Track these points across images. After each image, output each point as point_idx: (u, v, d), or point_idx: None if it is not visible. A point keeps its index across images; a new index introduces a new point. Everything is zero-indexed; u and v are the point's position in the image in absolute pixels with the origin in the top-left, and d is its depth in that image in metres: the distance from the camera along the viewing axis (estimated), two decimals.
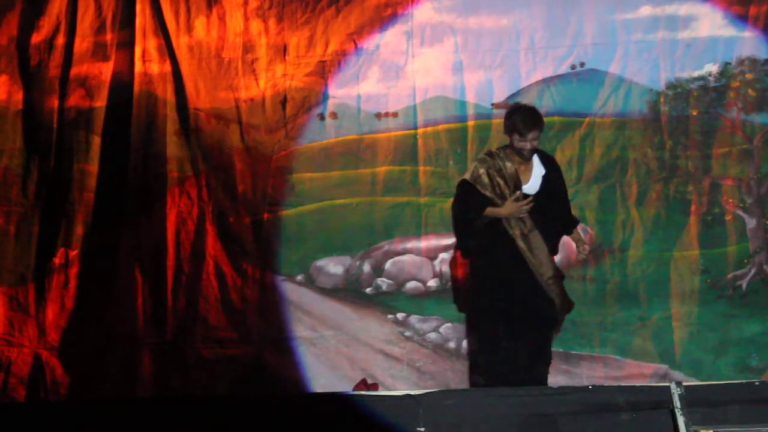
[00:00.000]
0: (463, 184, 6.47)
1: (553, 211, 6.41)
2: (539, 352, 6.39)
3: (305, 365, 7.19)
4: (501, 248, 6.32)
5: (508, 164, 6.36)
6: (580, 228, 6.67)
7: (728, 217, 7.09)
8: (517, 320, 6.30)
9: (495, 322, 6.37)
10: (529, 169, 6.40)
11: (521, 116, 6.33)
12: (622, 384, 6.38)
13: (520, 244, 6.29)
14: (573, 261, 7.13)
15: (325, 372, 7.16)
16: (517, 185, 6.34)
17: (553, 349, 6.89)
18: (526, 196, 6.32)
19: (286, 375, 7.17)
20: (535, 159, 6.41)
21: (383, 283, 7.34)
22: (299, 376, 7.17)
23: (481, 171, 6.40)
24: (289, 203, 7.38)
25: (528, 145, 6.29)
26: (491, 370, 6.45)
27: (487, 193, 6.36)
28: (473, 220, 6.39)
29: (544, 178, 6.39)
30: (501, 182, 6.35)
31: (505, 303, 6.31)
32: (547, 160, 6.48)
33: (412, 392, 5.91)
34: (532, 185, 6.38)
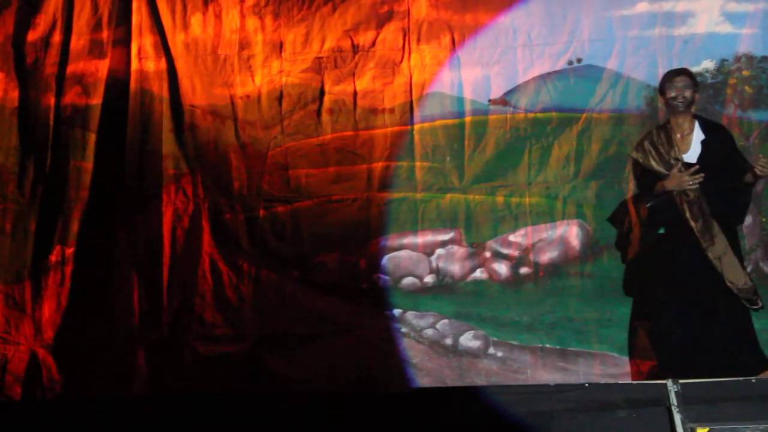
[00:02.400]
0: (630, 160, 6.40)
1: (720, 176, 6.16)
2: (728, 337, 6.13)
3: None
4: (671, 227, 6.16)
5: (667, 134, 6.23)
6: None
7: None
8: (691, 306, 6.10)
9: (667, 310, 6.18)
10: (690, 136, 6.27)
11: (670, 71, 6.37)
12: (619, 381, 6.37)
13: (688, 218, 6.09)
14: (570, 258, 7.14)
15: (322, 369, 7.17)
16: (678, 154, 6.20)
17: (549, 346, 6.91)
18: (688, 166, 6.17)
19: (282, 372, 7.17)
20: (696, 126, 6.29)
21: (379, 279, 7.34)
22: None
23: (638, 146, 6.31)
24: (285, 199, 7.37)
25: (678, 92, 6.17)
26: (665, 358, 6.26)
27: (641, 159, 6.23)
28: (649, 198, 6.23)
29: (704, 144, 6.24)
30: (662, 151, 6.21)
31: (679, 290, 6.12)
32: (710, 126, 6.31)
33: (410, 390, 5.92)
34: (692, 153, 6.26)
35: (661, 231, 6.21)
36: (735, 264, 6.18)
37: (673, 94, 6.18)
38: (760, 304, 6.21)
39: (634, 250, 6.74)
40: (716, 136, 6.27)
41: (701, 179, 6.11)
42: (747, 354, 6.16)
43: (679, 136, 6.20)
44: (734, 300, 6.14)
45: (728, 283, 6.13)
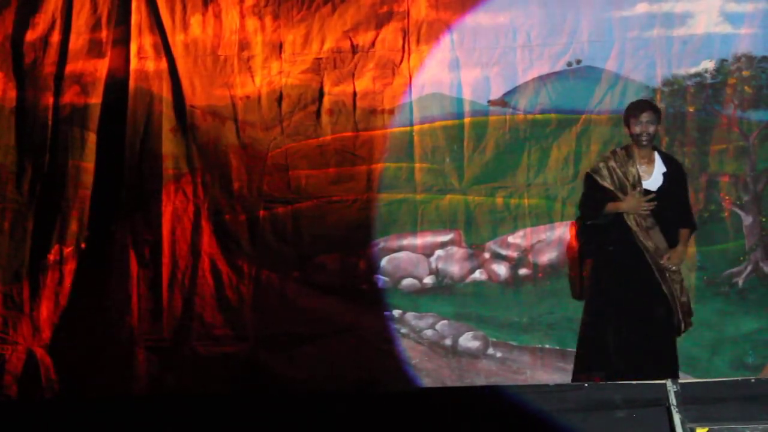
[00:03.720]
0: (586, 177, 6.50)
1: (673, 209, 6.34)
2: (656, 354, 6.27)
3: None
4: (622, 246, 6.27)
5: (629, 159, 6.34)
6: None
7: (725, 214, 7.09)
8: (633, 320, 6.22)
9: (610, 322, 6.29)
10: (651, 166, 6.36)
11: (633, 102, 6.45)
12: (619, 381, 6.36)
13: (641, 240, 6.23)
14: (568, 259, 7.14)
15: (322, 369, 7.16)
16: (638, 180, 6.31)
17: (549, 346, 6.91)
18: (647, 192, 6.29)
19: (282, 372, 7.16)
20: (657, 157, 6.38)
21: (379, 280, 7.33)
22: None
23: (602, 164, 6.41)
24: (285, 200, 7.37)
25: (643, 129, 6.27)
26: (602, 368, 6.34)
27: (607, 185, 6.32)
28: (596, 215, 6.34)
29: (665, 175, 6.35)
30: (621, 176, 6.31)
31: (622, 303, 6.25)
32: (670, 160, 6.46)
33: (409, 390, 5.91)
34: (653, 181, 6.34)
35: (611, 248, 6.30)
36: (684, 285, 6.37)
37: (638, 131, 6.31)
38: (683, 329, 6.34)
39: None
40: (676, 171, 6.44)
41: (653, 206, 6.26)
42: (663, 363, 6.27)
43: (640, 162, 6.31)
44: (671, 319, 6.28)
45: (678, 301, 6.28)
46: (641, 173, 6.34)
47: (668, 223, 6.33)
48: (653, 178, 6.36)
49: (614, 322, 6.26)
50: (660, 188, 6.33)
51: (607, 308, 6.30)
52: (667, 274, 6.26)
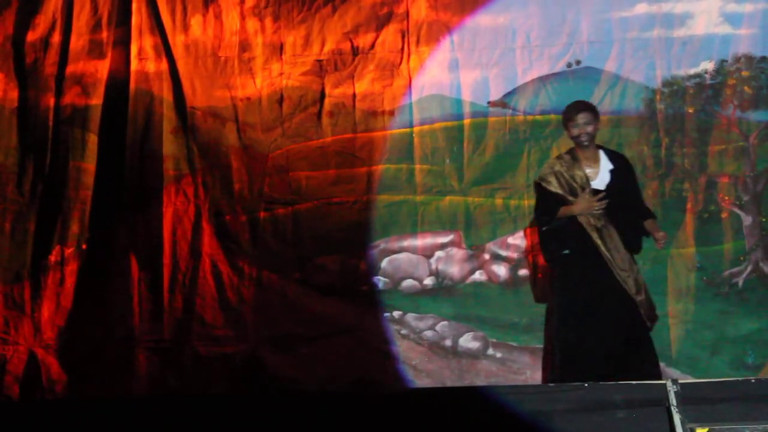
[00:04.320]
0: (536, 185, 6.49)
1: (625, 205, 6.32)
2: (626, 352, 6.24)
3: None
4: (579, 248, 6.27)
5: (574, 162, 6.35)
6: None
7: (724, 215, 7.09)
8: (596, 321, 6.20)
9: (573, 323, 6.29)
10: (597, 165, 6.35)
11: (569, 105, 6.42)
12: (619, 381, 6.37)
13: (596, 240, 6.23)
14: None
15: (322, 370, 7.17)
16: (586, 181, 6.31)
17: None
18: (596, 192, 6.30)
19: (282, 373, 7.17)
20: (603, 155, 6.36)
21: (379, 281, 7.34)
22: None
23: (548, 171, 6.40)
24: (285, 201, 7.38)
25: (580, 130, 6.28)
26: (566, 371, 6.34)
27: (553, 189, 6.33)
28: (549, 221, 6.36)
29: (612, 172, 6.34)
30: (569, 179, 6.32)
31: (584, 303, 6.24)
32: (616, 156, 6.44)
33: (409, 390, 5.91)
34: (600, 180, 6.33)
35: (566, 252, 6.30)
36: (642, 282, 6.30)
37: (576, 133, 6.31)
38: (649, 325, 6.31)
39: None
40: (623, 166, 6.41)
41: (605, 205, 6.23)
42: (647, 364, 6.24)
43: (586, 163, 6.31)
44: (637, 314, 6.25)
45: (636, 299, 6.23)
46: (588, 174, 6.31)
47: (624, 219, 6.29)
48: (600, 176, 6.33)
49: (579, 325, 6.24)
50: (608, 186, 6.30)
51: (571, 311, 6.29)
52: (616, 271, 6.22)
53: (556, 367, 6.43)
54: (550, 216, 6.37)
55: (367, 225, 7.37)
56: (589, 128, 6.31)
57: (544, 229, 6.41)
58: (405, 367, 7.23)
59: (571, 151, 6.41)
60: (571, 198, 6.30)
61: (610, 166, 6.36)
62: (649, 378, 6.01)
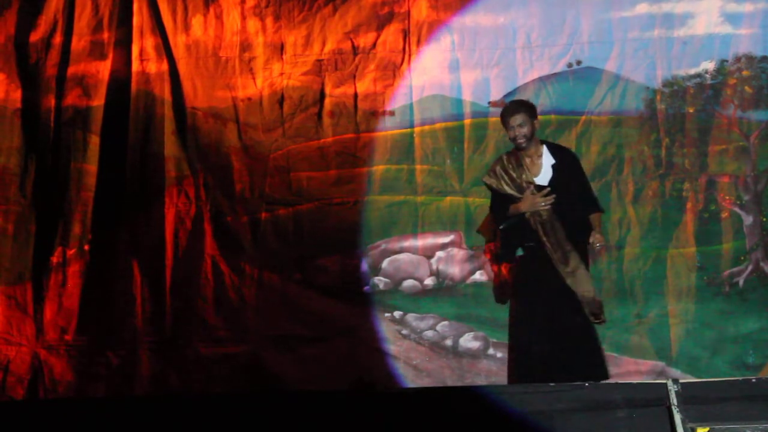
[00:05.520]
0: (485, 184, 6.53)
1: (569, 199, 6.33)
2: (575, 351, 6.28)
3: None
4: (531, 247, 6.30)
5: (517, 160, 6.36)
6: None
7: (725, 215, 7.08)
8: (544, 321, 6.25)
9: (525, 323, 6.34)
10: (539, 162, 6.37)
11: (504, 107, 6.45)
12: (619, 381, 6.38)
13: (542, 237, 6.25)
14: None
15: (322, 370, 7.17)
16: (530, 179, 6.32)
17: None
18: (540, 188, 6.30)
19: (283, 373, 7.18)
20: (545, 150, 6.39)
21: (380, 281, 7.35)
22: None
23: (491, 171, 6.45)
24: (286, 202, 7.38)
25: (515, 132, 6.30)
26: (522, 370, 6.40)
27: (495, 186, 6.34)
28: (501, 219, 6.38)
29: (554, 167, 6.36)
30: (514, 177, 6.33)
31: (532, 304, 6.28)
32: (558, 150, 6.46)
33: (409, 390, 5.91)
34: (543, 176, 6.36)
35: (520, 252, 6.30)
36: (587, 278, 6.30)
37: (512, 135, 6.34)
38: (604, 318, 6.32)
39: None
40: (565, 160, 6.41)
41: (553, 200, 6.25)
42: (592, 366, 6.26)
43: (528, 160, 6.35)
44: (584, 316, 6.26)
45: (581, 296, 6.22)
46: (530, 171, 6.33)
47: (569, 213, 6.30)
48: (543, 172, 6.35)
49: (532, 324, 6.27)
50: (551, 181, 6.32)
51: (522, 311, 6.33)
52: (560, 268, 6.22)
53: (512, 368, 6.43)
54: (502, 215, 6.40)
55: (367, 226, 7.38)
56: (524, 129, 6.32)
57: (501, 227, 6.43)
58: (405, 367, 7.23)
59: (513, 151, 6.43)
60: (519, 196, 6.31)
61: (552, 161, 6.36)
62: (594, 379, 6.04)
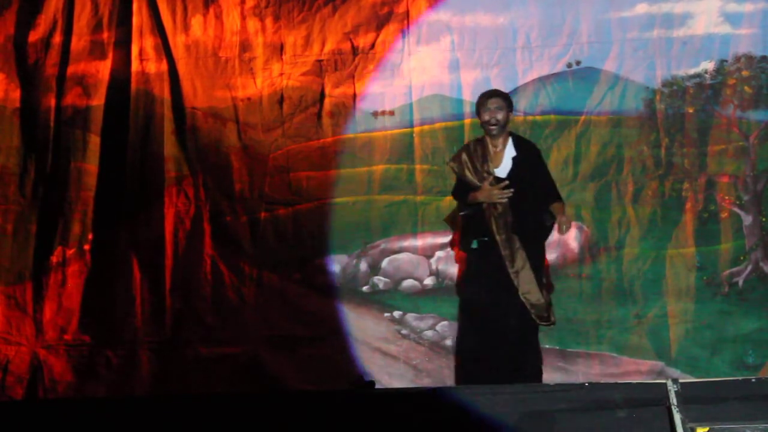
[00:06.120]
0: (450, 168, 6.46)
1: (527, 193, 6.20)
2: (519, 350, 6.19)
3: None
4: (486, 239, 6.19)
5: (482, 150, 6.29)
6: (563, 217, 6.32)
7: (724, 215, 7.09)
8: (488, 321, 6.15)
9: (471, 319, 6.26)
10: (502, 153, 6.29)
11: (483, 93, 6.38)
12: (619, 381, 6.37)
13: (494, 232, 6.13)
14: (569, 260, 7.15)
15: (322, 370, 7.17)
16: (490, 170, 6.24)
17: (549, 346, 6.90)
18: (499, 180, 6.22)
19: (283, 373, 7.18)
20: (510, 142, 6.31)
21: (380, 281, 7.35)
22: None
23: (456, 157, 6.37)
24: (286, 202, 7.38)
25: (491, 114, 6.24)
26: (464, 373, 6.34)
27: (457, 169, 6.29)
28: (462, 206, 6.32)
29: (515, 160, 6.26)
30: (477, 165, 6.29)
31: (479, 302, 6.19)
32: (522, 143, 6.36)
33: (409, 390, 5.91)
34: (503, 168, 6.25)
35: (474, 245, 6.23)
36: (531, 279, 6.13)
37: (486, 118, 6.25)
38: (553, 320, 6.23)
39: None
40: (527, 154, 6.31)
41: (510, 194, 6.15)
42: (528, 366, 6.18)
43: (492, 150, 6.27)
44: (525, 316, 6.13)
45: (522, 297, 6.12)
46: (493, 162, 6.25)
47: (525, 208, 6.17)
48: (504, 164, 6.26)
49: (473, 325, 6.21)
50: (510, 174, 6.22)
51: (468, 309, 6.27)
52: (508, 267, 6.12)
53: (458, 368, 6.42)
54: (462, 201, 6.32)
55: (367, 226, 7.38)
56: (499, 115, 6.24)
57: (461, 214, 6.37)
58: (405, 367, 7.23)
59: (480, 139, 6.35)
60: (479, 185, 6.23)
61: (513, 154, 6.28)
62: (530, 381, 6.01)
